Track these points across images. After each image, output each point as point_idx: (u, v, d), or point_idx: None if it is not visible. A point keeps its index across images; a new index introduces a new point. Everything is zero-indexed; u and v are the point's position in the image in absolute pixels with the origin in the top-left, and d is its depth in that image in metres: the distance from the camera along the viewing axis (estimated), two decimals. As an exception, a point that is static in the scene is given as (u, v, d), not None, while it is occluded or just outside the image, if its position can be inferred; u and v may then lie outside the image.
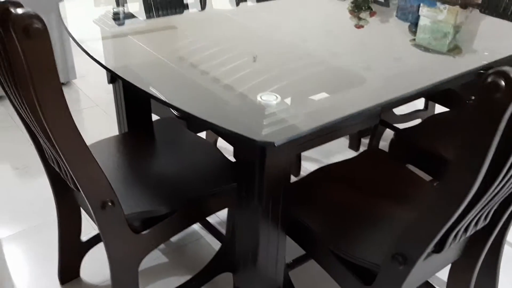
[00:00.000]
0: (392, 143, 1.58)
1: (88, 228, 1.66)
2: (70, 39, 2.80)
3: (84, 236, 1.52)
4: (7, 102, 2.63)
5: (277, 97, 0.99)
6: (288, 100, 1.01)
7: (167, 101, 1.03)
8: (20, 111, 1.10)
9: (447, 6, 2.20)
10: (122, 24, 1.40)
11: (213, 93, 1.08)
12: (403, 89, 1.12)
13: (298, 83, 1.17)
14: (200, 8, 1.83)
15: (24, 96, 0.96)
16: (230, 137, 0.99)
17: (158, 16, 1.65)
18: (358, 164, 1.40)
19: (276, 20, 1.65)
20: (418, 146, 1.53)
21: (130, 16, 1.44)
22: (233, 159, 1.36)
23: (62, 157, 0.98)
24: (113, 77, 1.55)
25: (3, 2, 0.86)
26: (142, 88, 1.10)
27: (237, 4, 1.95)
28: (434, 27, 1.81)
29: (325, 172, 1.36)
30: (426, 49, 1.66)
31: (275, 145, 0.84)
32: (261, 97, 0.99)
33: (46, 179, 2.10)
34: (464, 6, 2.18)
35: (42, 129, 1.00)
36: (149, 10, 1.70)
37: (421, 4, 2.14)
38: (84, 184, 1.03)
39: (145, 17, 1.58)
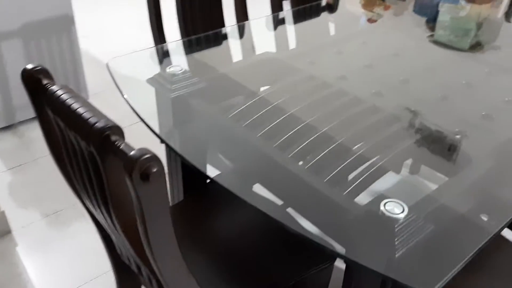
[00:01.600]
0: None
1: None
2: (82, 57, 2.62)
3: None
4: (21, 129, 2.46)
5: (403, 207, 0.87)
6: (412, 205, 0.89)
7: (264, 211, 0.91)
8: (103, 223, 0.97)
9: (470, 3, 2.10)
10: (178, 86, 1.25)
11: (309, 186, 0.97)
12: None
13: (400, 165, 1.06)
14: (238, 37, 1.69)
15: (118, 221, 0.83)
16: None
17: (199, 50, 1.51)
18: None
19: (330, 61, 1.52)
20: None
21: (188, 76, 1.29)
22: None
23: (162, 282, 0.86)
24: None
25: (102, 128, 0.72)
26: (219, 181, 0.99)
27: (275, 28, 1.81)
28: (455, 23, 1.72)
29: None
30: (446, 46, 1.62)
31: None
32: (384, 207, 0.88)
33: (79, 226, 1.98)
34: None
35: (139, 253, 0.87)
36: (189, 45, 1.55)
37: (442, 0, 2.02)
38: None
39: (186, 57, 1.44)
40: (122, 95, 1.23)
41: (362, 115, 1.22)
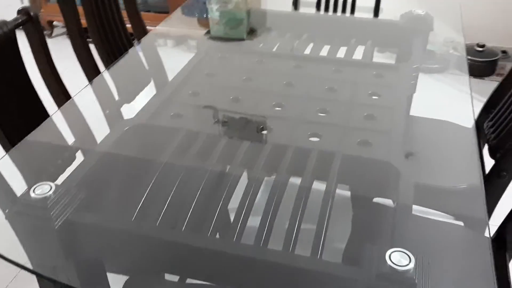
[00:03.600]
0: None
1: None
2: None
3: None
4: None
5: (410, 258, 0.82)
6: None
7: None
8: None
9: None
10: (59, 208, 0.96)
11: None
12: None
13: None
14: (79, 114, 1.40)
15: None
16: None
17: (45, 151, 1.20)
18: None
19: (186, 101, 1.36)
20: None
21: (63, 192, 0.99)
22: None
23: None
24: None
25: None
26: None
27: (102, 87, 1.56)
28: (226, 16, 1.80)
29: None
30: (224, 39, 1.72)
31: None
32: (390, 259, 0.81)
33: None
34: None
35: None
36: (27, 150, 1.21)
37: None
38: None
39: (34, 165, 1.13)
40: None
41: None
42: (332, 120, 1.26)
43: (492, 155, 1.41)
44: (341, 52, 1.64)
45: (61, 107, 1.37)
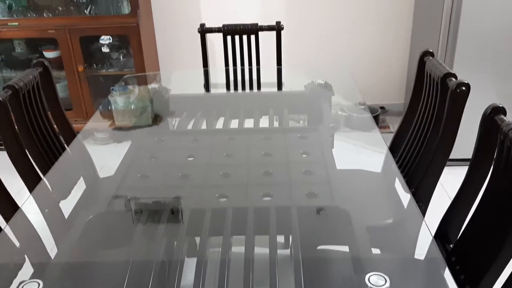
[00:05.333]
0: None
1: None
2: None
3: None
4: None
5: (385, 278, 0.97)
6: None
7: None
8: None
9: (136, 86, 2.36)
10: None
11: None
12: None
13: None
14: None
15: None
16: None
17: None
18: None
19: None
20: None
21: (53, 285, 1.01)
22: None
23: None
24: None
25: None
26: None
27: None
28: (130, 106, 1.96)
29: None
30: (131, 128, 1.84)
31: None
32: (369, 281, 0.96)
33: None
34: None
35: None
36: None
37: (111, 92, 2.18)
38: None
39: None
40: None
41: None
42: (277, 180, 1.42)
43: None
44: (264, 122, 1.83)
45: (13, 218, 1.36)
